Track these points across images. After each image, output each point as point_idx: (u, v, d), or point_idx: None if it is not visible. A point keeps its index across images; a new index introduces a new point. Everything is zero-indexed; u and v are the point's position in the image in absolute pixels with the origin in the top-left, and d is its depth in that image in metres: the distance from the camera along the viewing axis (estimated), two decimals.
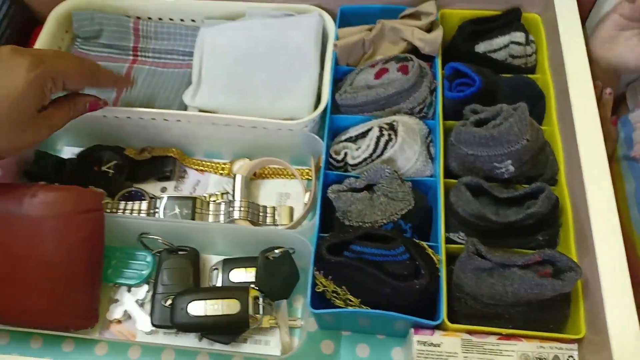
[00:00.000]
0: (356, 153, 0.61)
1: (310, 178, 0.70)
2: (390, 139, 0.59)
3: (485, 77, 0.61)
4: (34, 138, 0.54)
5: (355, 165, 0.61)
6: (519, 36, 0.66)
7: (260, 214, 0.67)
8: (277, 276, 0.59)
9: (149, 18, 0.76)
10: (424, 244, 0.55)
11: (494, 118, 0.57)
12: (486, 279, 0.52)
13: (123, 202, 0.66)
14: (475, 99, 0.61)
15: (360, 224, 0.57)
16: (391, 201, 0.57)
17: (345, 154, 0.63)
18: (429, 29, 0.67)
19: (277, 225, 0.67)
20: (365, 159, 0.60)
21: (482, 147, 0.57)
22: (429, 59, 0.67)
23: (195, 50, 0.70)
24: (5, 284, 0.55)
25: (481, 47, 0.68)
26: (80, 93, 0.59)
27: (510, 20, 0.68)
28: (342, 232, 0.54)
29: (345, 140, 0.65)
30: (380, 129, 0.60)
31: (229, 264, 0.62)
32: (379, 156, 0.59)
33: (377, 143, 0.59)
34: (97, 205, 0.57)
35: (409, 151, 0.60)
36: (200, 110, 0.67)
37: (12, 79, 0.49)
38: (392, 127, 0.60)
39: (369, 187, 0.59)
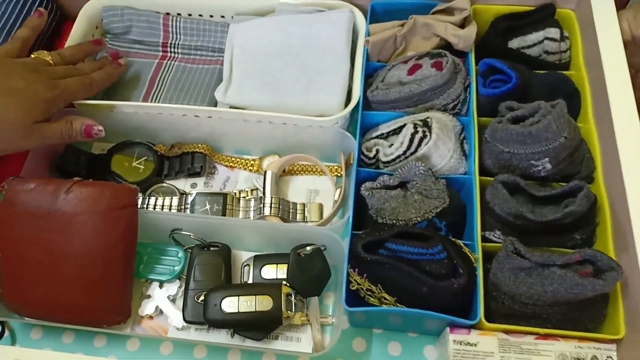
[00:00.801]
0: (389, 150, 0.60)
1: (340, 175, 0.69)
2: (424, 136, 0.58)
3: (521, 73, 0.60)
4: (22, 145, 0.59)
5: (388, 162, 0.60)
6: (553, 32, 0.65)
7: (291, 210, 0.66)
8: (308, 273, 0.59)
9: (179, 14, 0.76)
10: (461, 242, 0.54)
11: (531, 115, 0.56)
12: (525, 279, 0.51)
13: (154, 197, 0.67)
14: (510, 96, 0.60)
15: (394, 221, 0.57)
16: (425, 199, 0.57)
17: (377, 151, 0.62)
18: (462, 24, 0.66)
19: (307, 222, 0.67)
20: (398, 156, 0.59)
21: (519, 145, 0.56)
22: (461, 54, 0.66)
23: (226, 47, 0.70)
24: (42, 279, 0.55)
25: (514, 43, 0.67)
26: (78, 115, 0.63)
27: (545, 16, 0.67)
28: (377, 230, 0.53)
29: (377, 137, 0.64)
30: (415, 125, 0.59)
31: (260, 260, 0.62)
32: (412, 153, 0.59)
33: (411, 140, 0.58)
34: (132, 201, 0.57)
35: (443, 148, 0.59)
36: (231, 107, 0.67)
37: (32, 90, 0.57)
38: (426, 124, 0.60)
39: (403, 185, 0.58)
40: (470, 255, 0.53)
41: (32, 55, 0.64)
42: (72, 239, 0.55)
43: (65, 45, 0.71)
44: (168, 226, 0.62)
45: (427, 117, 0.60)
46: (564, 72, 0.66)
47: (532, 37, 0.66)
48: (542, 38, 0.66)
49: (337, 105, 0.65)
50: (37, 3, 0.74)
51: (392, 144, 0.62)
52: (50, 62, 0.63)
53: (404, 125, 0.62)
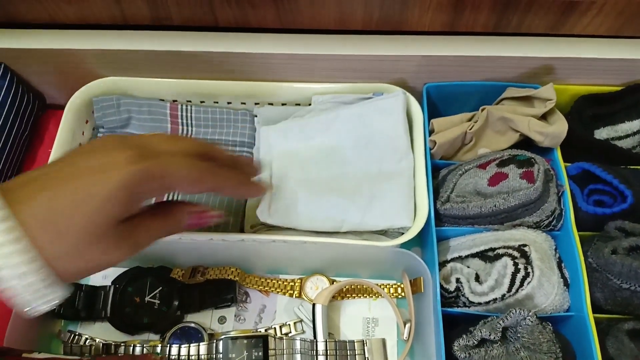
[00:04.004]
0: (479, 288, 0.49)
1: (400, 296, 0.57)
2: (527, 274, 0.47)
3: (634, 188, 0.49)
4: (107, 259, 0.35)
5: (479, 303, 0.49)
6: None
7: (349, 353, 0.54)
8: None
9: (189, 101, 0.62)
10: None
11: None
12: None
13: (176, 345, 0.53)
14: (620, 215, 0.49)
15: None
16: (533, 354, 0.45)
17: (459, 281, 0.50)
18: (543, 115, 0.55)
19: None
20: (494, 299, 0.48)
21: None
22: (540, 150, 0.55)
23: (262, 155, 0.57)
24: None
25: (603, 133, 0.57)
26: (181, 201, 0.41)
27: (638, 100, 0.56)
28: None
29: (452, 260, 0.53)
30: (514, 261, 0.47)
31: None
32: (512, 295, 0.47)
33: (512, 280, 0.47)
34: None
35: (547, 285, 0.48)
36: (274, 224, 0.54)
37: (101, 177, 0.33)
38: (524, 255, 0.48)
39: (502, 334, 0.47)
40: None
41: None
42: None
43: (54, 146, 0.56)
44: None
45: (523, 245, 0.49)
46: None
47: (625, 127, 0.56)
48: (637, 128, 0.55)
49: (407, 218, 0.52)
50: (11, 97, 0.59)
51: (477, 275, 0.50)
52: None
53: (493, 250, 0.50)
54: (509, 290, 0.47)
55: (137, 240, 0.36)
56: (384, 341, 0.56)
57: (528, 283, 0.47)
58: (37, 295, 0.31)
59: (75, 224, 0.32)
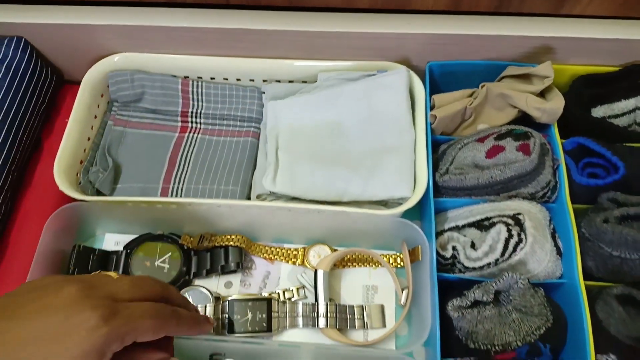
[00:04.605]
0: (474, 254, 0.51)
1: (399, 265, 0.59)
2: (520, 240, 0.49)
3: (627, 161, 0.51)
4: None
5: (474, 268, 0.51)
6: None
7: (348, 317, 0.56)
8: None
9: (199, 78, 0.65)
10: None
11: None
12: None
13: None
14: (613, 186, 0.51)
15: (489, 346, 0.47)
16: (525, 316, 0.47)
17: (455, 249, 0.52)
18: (541, 92, 0.57)
19: (368, 328, 0.57)
20: (488, 264, 0.50)
21: (634, 251, 0.47)
22: (539, 125, 0.57)
23: (268, 128, 0.60)
24: None
25: (599, 112, 0.58)
26: (146, 349, 0.39)
27: (634, 80, 0.58)
28: (465, 356, 0.44)
29: (450, 230, 0.55)
30: (507, 227, 0.49)
31: None
32: (505, 260, 0.49)
33: (505, 246, 0.49)
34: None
35: (540, 252, 0.50)
36: (279, 193, 0.57)
37: (68, 342, 0.32)
38: (518, 222, 0.50)
39: (495, 298, 0.49)
40: None
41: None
42: None
43: (70, 119, 0.59)
44: (206, 348, 0.52)
45: (518, 213, 0.51)
46: None
47: (621, 106, 0.57)
48: (633, 107, 0.57)
49: (406, 189, 0.54)
50: (30, 71, 0.62)
51: (473, 242, 0.52)
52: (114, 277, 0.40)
53: (488, 220, 0.52)
54: (502, 255, 0.49)
55: None
56: (382, 307, 0.58)
57: (521, 249, 0.49)
58: None
59: None
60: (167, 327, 0.38)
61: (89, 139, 0.61)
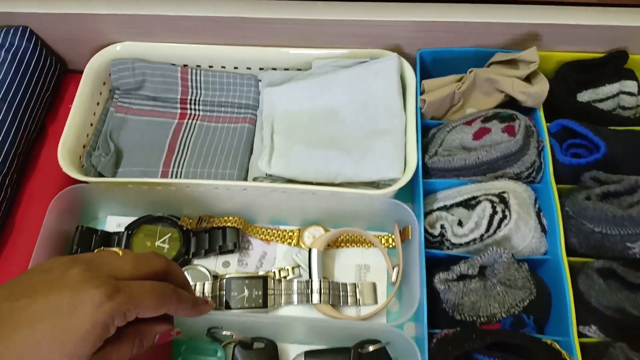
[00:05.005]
0: (460, 230, 0.53)
1: (391, 246, 0.61)
2: (504, 216, 0.51)
3: (608, 141, 0.53)
4: None
5: (460, 244, 0.53)
6: (630, 85, 0.59)
7: (341, 293, 0.58)
8: None
9: (198, 66, 0.67)
10: (558, 345, 0.47)
11: (627, 193, 0.49)
12: None
13: None
14: (595, 165, 0.53)
15: (474, 318, 0.49)
16: (509, 290, 0.49)
17: (443, 227, 0.54)
18: (527, 77, 0.59)
19: (360, 305, 0.59)
20: (474, 240, 0.52)
21: (613, 226, 0.49)
22: (526, 110, 0.59)
23: (264, 112, 0.62)
24: None
25: (585, 96, 0.60)
26: (149, 322, 0.41)
27: (618, 65, 0.60)
28: (463, 339, 0.46)
29: (439, 209, 0.57)
30: (492, 204, 0.51)
31: (313, 357, 0.54)
32: (490, 236, 0.51)
33: (489, 222, 0.51)
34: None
35: (524, 228, 0.52)
36: (274, 176, 0.59)
37: (75, 317, 0.35)
38: (503, 200, 0.52)
39: (481, 272, 0.51)
40: None
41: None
42: None
43: (74, 104, 0.61)
44: (204, 321, 0.54)
45: (503, 192, 0.53)
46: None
47: (606, 90, 0.59)
48: (616, 91, 0.59)
49: (397, 171, 0.56)
50: (35, 59, 0.64)
51: (460, 220, 0.54)
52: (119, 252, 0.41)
53: (474, 198, 0.54)
54: (487, 231, 0.51)
55: None
56: (374, 285, 0.60)
57: (505, 225, 0.51)
58: None
59: None
60: (168, 306, 0.41)
61: (91, 124, 0.64)
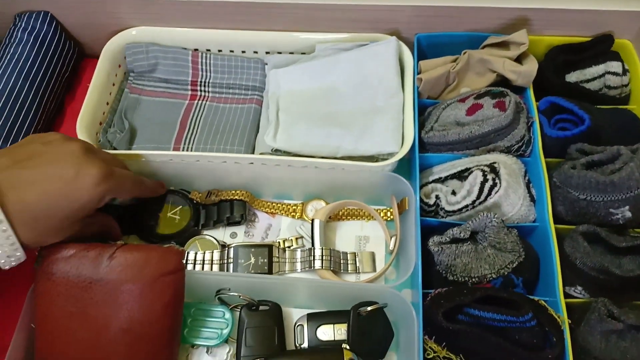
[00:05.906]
0: (453, 198, 0.56)
1: (390, 219, 0.65)
2: (494, 184, 0.54)
3: (591, 114, 0.56)
4: (58, 239, 0.48)
5: (453, 212, 0.56)
6: (615, 66, 0.62)
7: (342, 261, 0.62)
8: (371, 335, 0.55)
9: (208, 50, 0.71)
10: (544, 302, 0.50)
11: (610, 161, 0.53)
12: (617, 343, 0.47)
13: (193, 251, 0.61)
14: (580, 137, 0.56)
15: (466, 278, 0.52)
16: (499, 252, 0.53)
17: (437, 197, 0.58)
18: (518, 58, 0.62)
19: (359, 272, 0.62)
20: (466, 206, 0.55)
21: (597, 193, 0.52)
22: (518, 90, 0.62)
23: (270, 92, 0.66)
24: (85, 352, 0.50)
25: (572, 77, 0.64)
26: (115, 224, 0.58)
27: (604, 48, 0.63)
28: (454, 294, 0.49)
29: (434, 181, 0.60)
30: (483, 173, 0.55)
31: (315, 319, 0.57)
32: (481, 202, 0.55)
33: (480, 189, 0.54)
34: (179, 266, 0.52)
35: (514, 196, 0.55)
36: (279, 150, 0.63)
37: (78, 189, 0.46)
38: (493, 170, 0.56)
39: (472, 237, 0.54)
40: (557, 317, 0.49)
41: None
42: (117, 310, 0.49)
43: (91, 84, 0.65)
44: (212, 284, 0.57)
45: (494, 162, 0.56)
46: (625, 106, 0.62)
47: (592, 71, 0.63)
48: (602, 72, 0.62)
49: (393, 144, 0.60)
50: (55, 42, 0.68)
51: (453, 190, 0.57)
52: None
53: (467, 170, 0.57)
54: (478, 197, 0.54)
55: (83, 232, 0.50)
56: (373, 254, 0.63)
57: (495, 192, 0.54)
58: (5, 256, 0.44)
59: (52, 223, 0.46)
60: (138, 190, 0.56)
61: (107, 103, 0.68)
